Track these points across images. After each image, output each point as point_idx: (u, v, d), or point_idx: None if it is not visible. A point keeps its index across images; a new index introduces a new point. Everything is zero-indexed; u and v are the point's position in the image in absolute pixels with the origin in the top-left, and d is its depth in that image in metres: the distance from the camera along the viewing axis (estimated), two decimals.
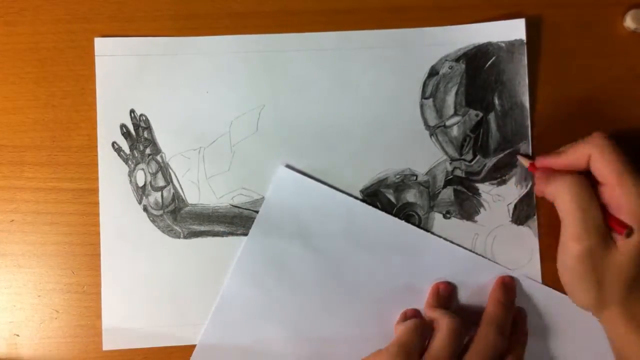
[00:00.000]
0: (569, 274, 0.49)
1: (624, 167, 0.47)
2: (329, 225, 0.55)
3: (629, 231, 0.46)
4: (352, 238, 0.54)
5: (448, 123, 0.55)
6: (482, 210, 0.55)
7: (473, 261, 0.55)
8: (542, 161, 0.52)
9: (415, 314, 0.54)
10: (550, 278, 0.55)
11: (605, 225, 0.47)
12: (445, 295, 0.54)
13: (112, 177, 0.55)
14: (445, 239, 0.55)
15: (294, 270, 0.54)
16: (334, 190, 0.55)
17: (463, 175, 0.55)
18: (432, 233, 0.55)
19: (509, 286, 0.54)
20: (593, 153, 0.48)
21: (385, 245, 0.55)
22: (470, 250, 0.55)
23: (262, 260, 0.54)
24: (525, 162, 0.54)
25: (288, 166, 0.55)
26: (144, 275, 0.54)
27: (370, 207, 0.55)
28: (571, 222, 0.47)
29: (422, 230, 0.55)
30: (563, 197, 0.48)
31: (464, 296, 0.55)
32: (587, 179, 0.48)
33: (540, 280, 0.55)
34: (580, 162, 0.49)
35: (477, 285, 0.55)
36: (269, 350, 0.54)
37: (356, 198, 0.55)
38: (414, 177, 0.55)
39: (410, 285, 0.54)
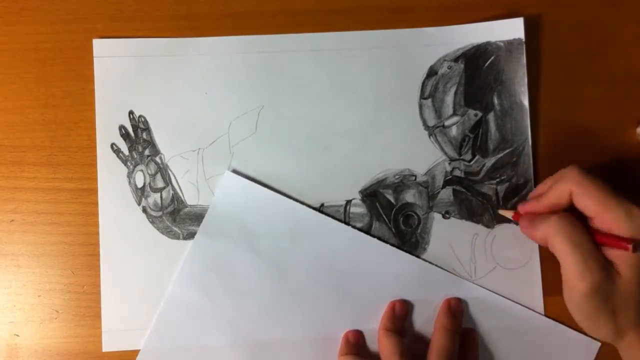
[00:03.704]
0: (581, 312, 0.48)
1: (608, 194, 0.46)
2: (275, 230, 0.55)
3: (635, 244, 0.45)
4: (298, 244, 0.54)
5: (447, 123, 0.55)
6: (481, 210, 0.55)
7: (425, 270, 0.55)
8: (524, 208, 0.51)
9: (357, 337, 0.54)
10: (550, 277, 0.55)
11: (603, 257, 0.46)
12: (401, 316, 0.54)
13: (111, 178, 0.55)
14: (393, 245, 0.55)
15: (239, 275, 0.54)
16: (279, 196, 0.55)
17: (462, 176, 0.55)
18: (382, 240, 0.55)
19: (455, 310, 0.54)
20: (573, 189, 0.47)
21: (332, 252, 0.55)
22: (421, 258, 0.55)
23: (207, 265, 0.54)
24: (508, 214, 0.53)
25: (235, 171, 0.55)
26: (143, 276, 0.54)
27: (316, 213, 0.55)
28: (571, 262, 0.46)
29: (370, 237, 0.55)
30: (556, 238, 0.47)
31: (413, 306, 0.55)
32: (573, 215, 0.48)
33: (540, 280, 0.55)
34: (562, 201, 0.48)
35: (428, 296, 0.55)
36: (212, 355, 0.54)
37: (303, 204, 0.55)
38: (413, 178, 0.55)
39: (356, 292, 0.54)
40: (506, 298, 0.55)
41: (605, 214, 0.46)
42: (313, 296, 0.54)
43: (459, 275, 0.55)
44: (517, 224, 0.53)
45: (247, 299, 0.54)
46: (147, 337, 0.54)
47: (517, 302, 0.55)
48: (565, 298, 0.49)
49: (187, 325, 0.54)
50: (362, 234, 0.55)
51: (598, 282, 0.45)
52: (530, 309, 0.55)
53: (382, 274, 0.54)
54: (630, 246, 0.45)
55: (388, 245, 0.55)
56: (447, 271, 0.55)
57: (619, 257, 0.46)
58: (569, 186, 0.48)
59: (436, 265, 0.55)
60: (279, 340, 0.54)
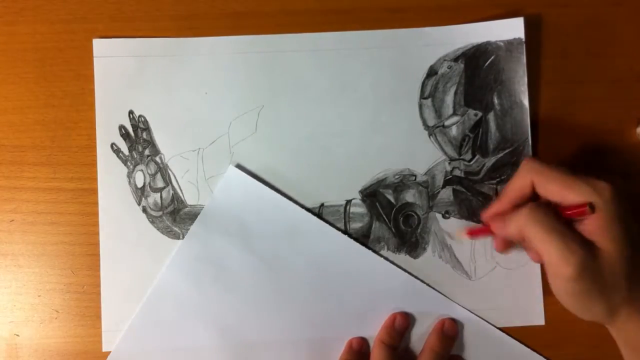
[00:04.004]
0: (573, 297, 0.47)
1: (569, 176, 0.46)
2: (271, 230, 0.55)
3: (590, 205, 0.45)
4: (293, 246, 0.55)
5: (447, 123, 0.55)
6: (481, 209, 0.55)
7: (419, 290, 0.55)
8: (488, 212, 0.52)
9: (361, 345, 0.54)
10: None
11: (582, 237, 0.46)
12: (400, 330, 0.54)
13: (111, 178, 0.55)
14: (386, 259, 0.55)
15: (230, 271, 0.54)
16: (280, 196, 0.55)
17: (462, 175, 0.55)
18: (378, 254, 0.55)
19: (447, 333, 0.54)
20: (535, 178, 0.48)
21: (326, 258, 0.55)
22: (412, 275, 0.55)
23: (200, 257, 0.54)
24: (462, 235, 0.54)
25: (239, 166, 0.55)
26: (143, 276, 0.54)
27: (315, 218, 0.55)
28: (552, 248, 0.45)
29: (366, 249, 0.55)
30: (530, 228, 0.46)
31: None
32: (539, 201, 0.48)
33: (540, 280, 0.55)
34: (525, 192, 0.48)
35: (420, 313, 0.55)
36: (194, 349, 0.54)
37: (303, 207, 0.55)
38: (413, 177, 0.55)
39: (346, 300, 0.54)
40: (497, 328, 0.55)
41: (571, 193, 0.46)
42: (302, 299, 0.54)
43: (458, 276, 0.55)
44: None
45: (235, 294, 0.54)
46: (129, 324, 0.54)
47: (511, 336, 0.55)
48: (553, 286, 0.48)
49: (172, 315, 0.54)
50: (358, 244, 0.55)
51: (583, 262, 0.44)
52: (520, 342, 0.55)
53: (374, 285, 0.55)
54: (586, 208, 0.45)
55: (383, 258, 0.55)
56: (441, 293, 0.55)
57: (596, 232, 0.45)
58: (529, 177, 0.48)
59: (431, 287, 0.55)
60: (264, 340, 0.54)
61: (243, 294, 0.54)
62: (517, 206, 0.49)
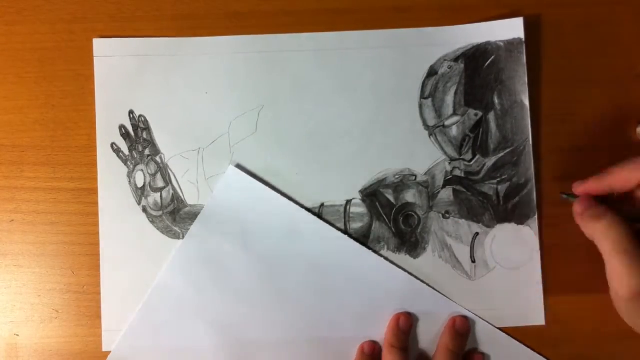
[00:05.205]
0: (625, 314, 0.49)
1: None
2: (271, 230, 0.54)
3: None
4: (292, 246, 0.54)
5: (447, 123, 0.55)
6: (481, 210, 0.55)
7: (419, 290, 0.55)
8: (581, 187, 0.51)
9: (372, 349, 0.54)
10: (550, 277, 0.55)
11: None
12: (405, 330, 0.54)
13: (112, 178, 0.55)
14: (386, 259, 0.55)
15: (230, 271, 0.54)
16: (280, 196, 0.55)
17: (462, 175, 0.55)
18: (378, 254, 0.55)
19: (460, 329, 0.54)
20: None
21: (326, 258, 0.54)
22: (412, 275, 0.55)
23: (200, 258, 0.54)
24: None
25: (238, 166, 0.55)
26: (143, 276, 0.54)
27: (315, 218, 0.55)
28: (615, 267, 0.47)
29: (366, 249, 0.55)
30: (603, 243, 0.47)
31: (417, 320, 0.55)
32: (625, 220, 0.48)
33: (540, 280, 0.55)
34: (628, 184, 0.48)
35: (424, 314, 0.55)
36: (194, 349, 0.54)
37: (303, 207, 0.55)
38: (413, 177, 0.55)
39: (346, 300, 0.54)
40: (497, 328, 0.55)
41: None
42: (302, 299, 0.54)
43: (458, 276, 0.55)
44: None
45: (235, 295, 0.54)
46: (129, 325, 0.54)
47: (511, 336, 0.55)
48: (612, 297, 0.49)
49: (171, 315, 0.54)
50: (358, 244, 0.55)
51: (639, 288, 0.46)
52: (520, 342, 0.55)
53: (374, 285, 0.54)
54: None
55: (383, 258, 0.55)
56: (441, 293, 0.55)
57: None
58: (639, 176, 0.48)
59: (431, 287, 0.55)
60: (263, 340, 0.54)
61: (243, 294, 0.54)
62: (613, 191, 0.49)
